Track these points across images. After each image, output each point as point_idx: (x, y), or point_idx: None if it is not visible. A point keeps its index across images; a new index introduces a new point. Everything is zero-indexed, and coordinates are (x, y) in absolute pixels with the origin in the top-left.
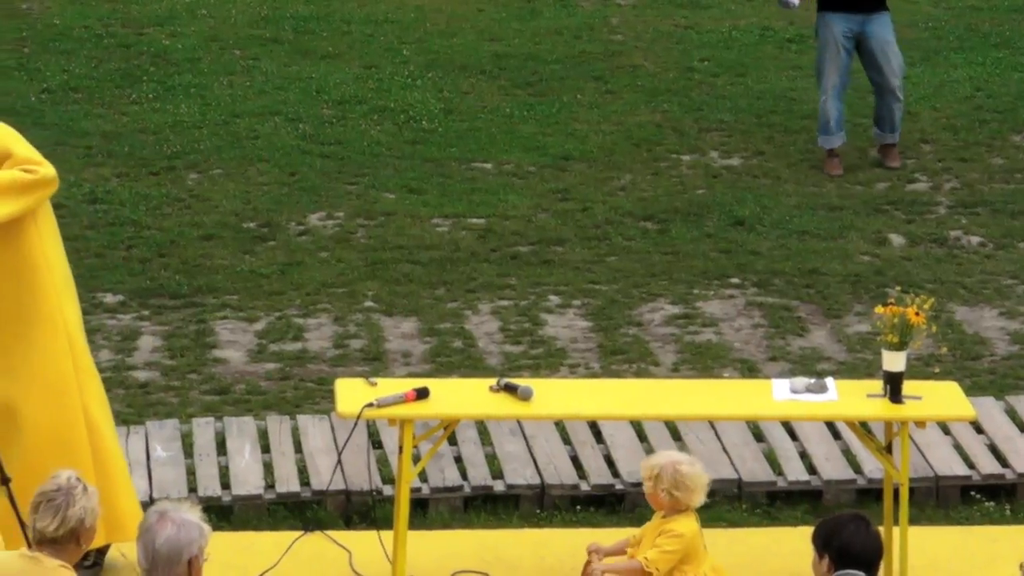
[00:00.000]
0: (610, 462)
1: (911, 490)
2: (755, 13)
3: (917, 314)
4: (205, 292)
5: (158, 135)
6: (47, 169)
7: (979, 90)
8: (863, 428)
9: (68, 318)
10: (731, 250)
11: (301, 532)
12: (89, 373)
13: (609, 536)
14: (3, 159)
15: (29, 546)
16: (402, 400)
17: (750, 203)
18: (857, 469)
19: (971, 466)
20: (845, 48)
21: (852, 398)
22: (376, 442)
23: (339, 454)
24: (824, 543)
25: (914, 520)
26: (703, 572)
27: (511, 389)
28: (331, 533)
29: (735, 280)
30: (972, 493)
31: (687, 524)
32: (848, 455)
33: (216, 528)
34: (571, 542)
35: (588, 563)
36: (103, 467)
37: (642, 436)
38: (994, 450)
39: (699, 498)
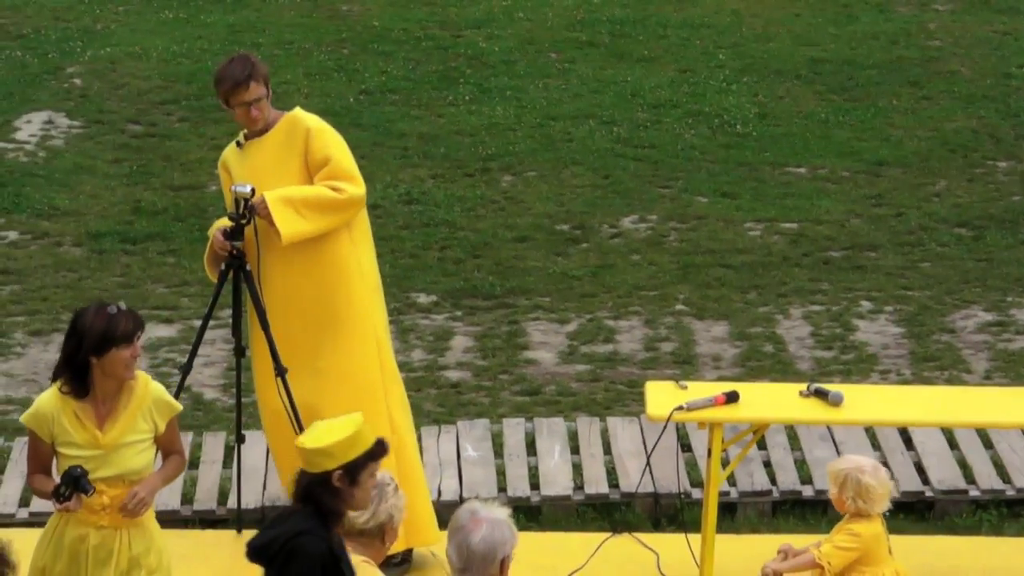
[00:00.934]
0: (920, 469)
1: None
2: None
3: None
4: (517, 293)
5: (474, 137)
6: (355, 189)
7: None
8: None
9: (377, 323)
10: None
11: (609, 533)
12: (394, 377)
13: (914, 543)
14: (322, 163)
15: None
16: (712, 404)
17: None
18: None
19: None
20: None
21: None
22: (685, 445)
23: (648, 456)
24: None
25: None
26: (882, 574)
27: (821, 394)
28: (639, 535)
29: None
30: None
31: (867, 526)
32: None
33: (525, 528)
34: None
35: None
36: (404, 470)
37: (953, 444)
38: None
39: (882, 506)
